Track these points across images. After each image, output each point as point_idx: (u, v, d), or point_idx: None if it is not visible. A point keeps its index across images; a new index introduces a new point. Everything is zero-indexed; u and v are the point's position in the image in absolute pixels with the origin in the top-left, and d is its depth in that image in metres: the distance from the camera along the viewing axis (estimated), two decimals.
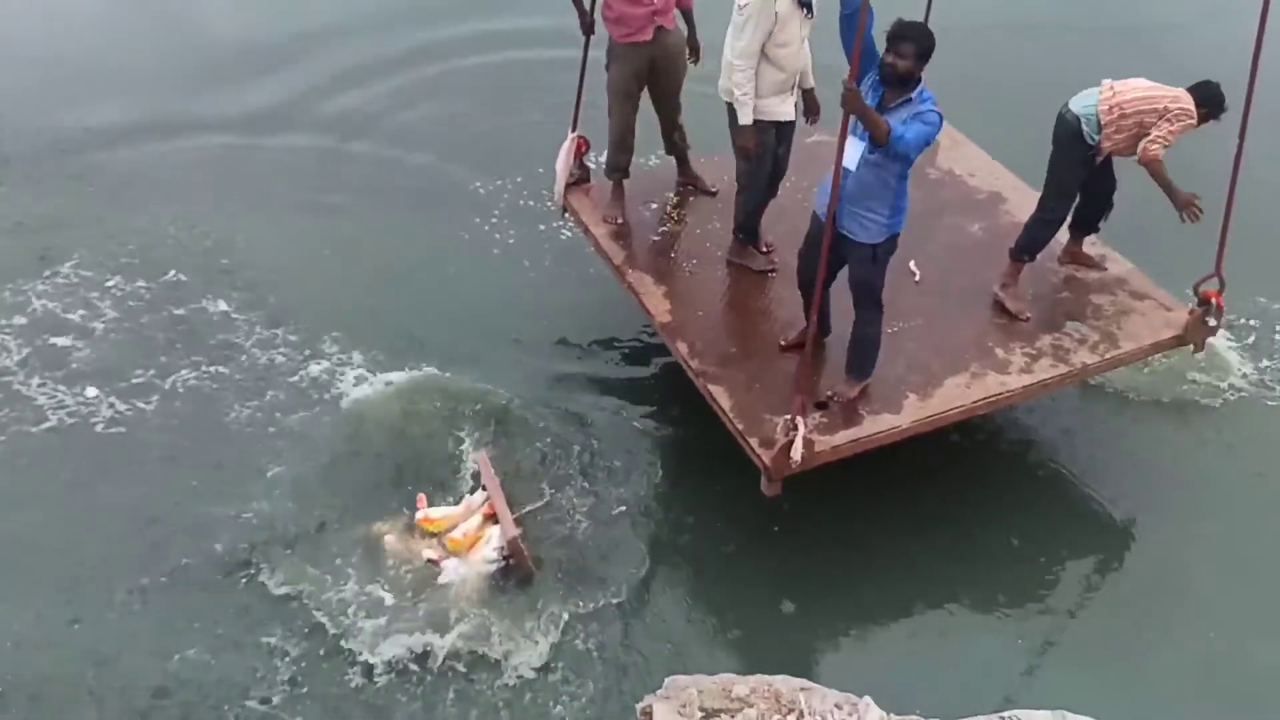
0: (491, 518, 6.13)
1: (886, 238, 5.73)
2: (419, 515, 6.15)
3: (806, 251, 6.01)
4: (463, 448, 6.58)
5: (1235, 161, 6.11)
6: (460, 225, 8.46)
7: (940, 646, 5.92)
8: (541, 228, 8.43)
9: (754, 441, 5.80)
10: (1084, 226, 6.86)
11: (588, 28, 6.90)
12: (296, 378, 7.11)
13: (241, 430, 6.79)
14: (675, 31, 6.85)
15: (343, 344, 7.33)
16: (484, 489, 6.26)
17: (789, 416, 5.56)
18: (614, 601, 5.94)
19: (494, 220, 8.53)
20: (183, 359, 7.22)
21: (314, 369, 7.16)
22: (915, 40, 5.36)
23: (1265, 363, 7.51)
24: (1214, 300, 6.39)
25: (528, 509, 6.27)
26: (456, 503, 6.26)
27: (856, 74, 5.15)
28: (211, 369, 7.16)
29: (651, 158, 8.04)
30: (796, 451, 5.55)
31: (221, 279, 7.83)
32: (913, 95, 5.44)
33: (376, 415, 6.82)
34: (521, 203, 8.68)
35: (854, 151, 5.48)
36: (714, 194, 7.34)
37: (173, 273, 7.83)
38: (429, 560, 5.99)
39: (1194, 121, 6.23)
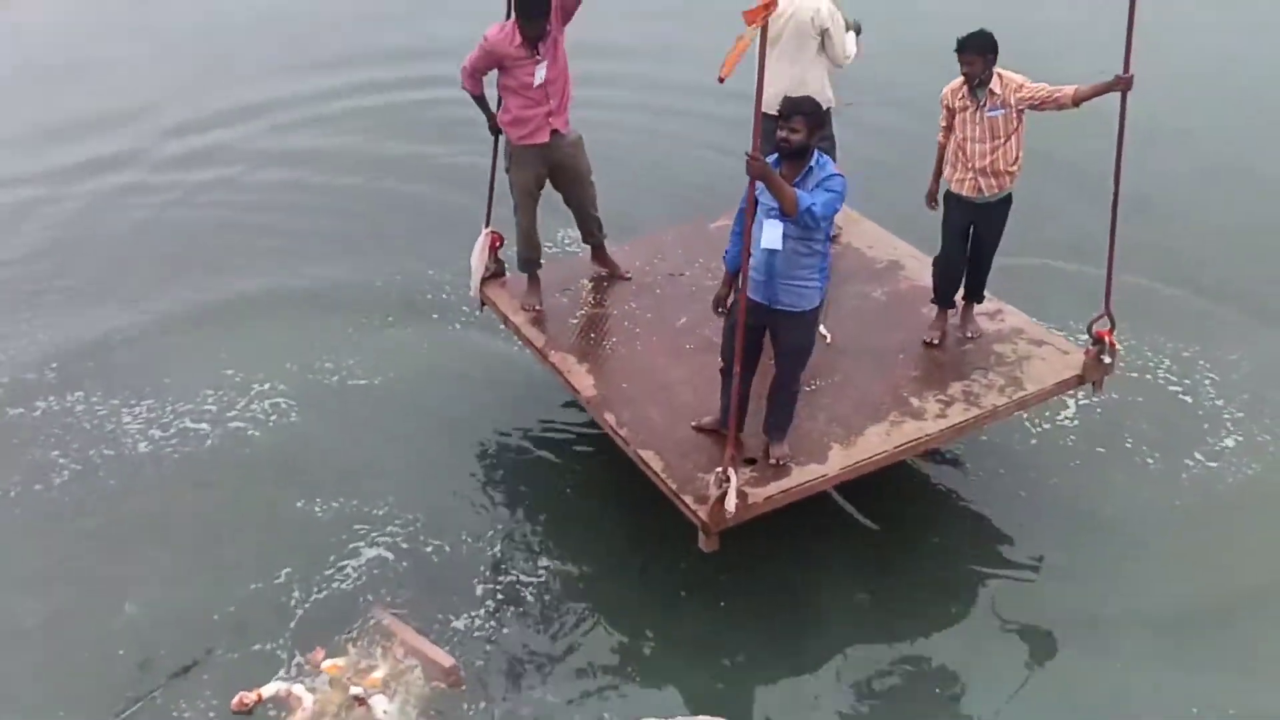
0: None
1: (820, 298, 5.98)
2: (325, 665, 6.00)
3: (746, 337, 5.89)
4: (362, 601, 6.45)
5: (1113, 208, 6.55)
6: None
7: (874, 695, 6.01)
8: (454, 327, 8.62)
9: (688, 499, 5.93)
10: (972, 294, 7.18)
11: (494, 128, 7.18)
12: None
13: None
14: (571, 132, 7.13)
15: None
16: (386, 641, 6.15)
17: (720, 470, 5.70)
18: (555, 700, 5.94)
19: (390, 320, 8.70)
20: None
21: None
22: (805, 114, 5.64)
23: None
24: (1107, 339, 6.75)
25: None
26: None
27: (759, 142, 5.44)
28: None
29: (568, 244, 8.32)
30: (730, 502, 5.69)
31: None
32: (812, 165, 5.72)
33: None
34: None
35: (774, 232, 5.68)
36: (628, 279, 7.58)
37: None
38: (355, 698, 5.81)
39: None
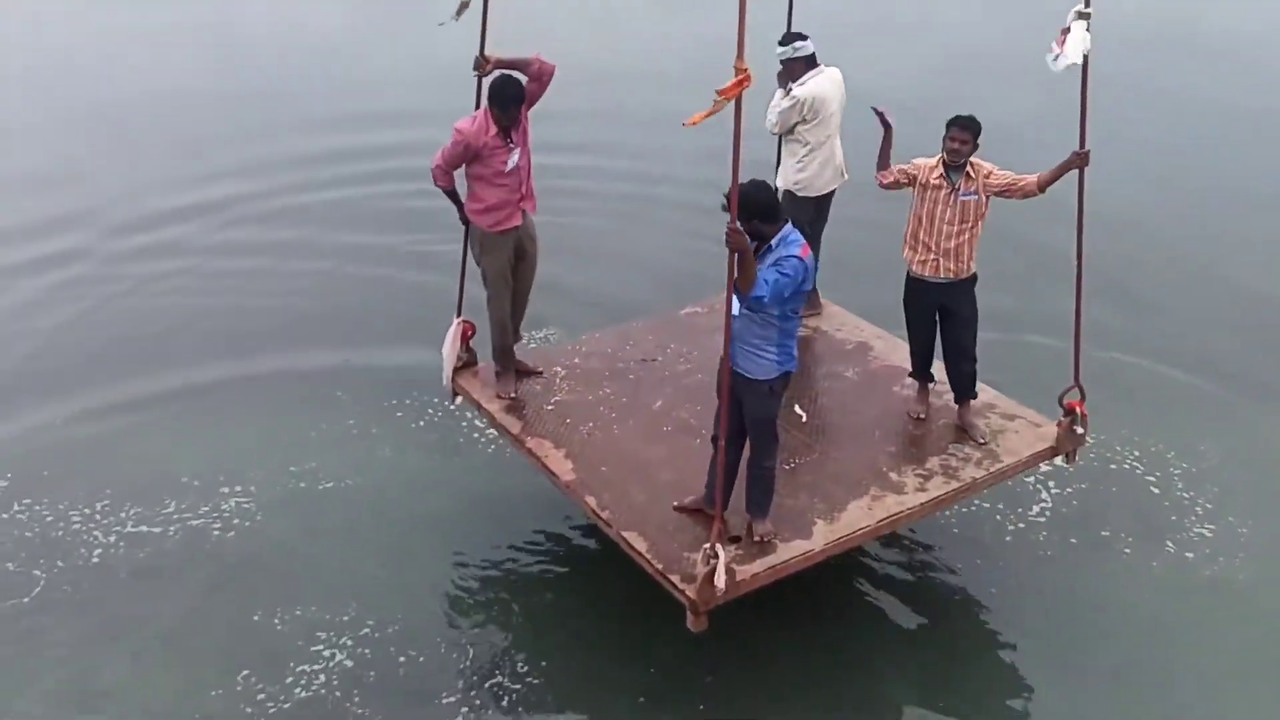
0: None
1: (779, 374, 5.99)
2: None
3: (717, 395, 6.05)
4: None
5: (1077, 281, 6.71)
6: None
7: None
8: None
9: (675, 578, 5.85)
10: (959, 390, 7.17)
11: (465, 219, 7.22)
12: None
13: None
14: (530, 216, 7.19)
15: None
16: None
17: (708, 546, 5.64)
18: None
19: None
20: None
21: None
22: (744, 205, 5.59)
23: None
24: (1078, 410, 6.85)
25: None
26: None
27: (737, 214, 5.51)
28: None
29: (541, 333, 8.32)
30: (720, 578, 5.61)
31: None
32: (773, 242, 5.79)
33: None
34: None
35: (735, 298, 5.79)
36: (539, 374, 7.48)
37: None
38: None
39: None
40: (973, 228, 6.71)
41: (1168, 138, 13.53)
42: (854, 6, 16.94)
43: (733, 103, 5.05)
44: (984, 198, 6.68)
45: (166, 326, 9.76)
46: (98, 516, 7.53)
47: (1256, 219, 11.74)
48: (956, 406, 7.06)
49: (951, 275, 6.79)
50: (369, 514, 7.61)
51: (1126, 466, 8.07)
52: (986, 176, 6.65)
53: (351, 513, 7.62)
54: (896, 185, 6.83)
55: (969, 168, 6.64)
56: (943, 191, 6.68)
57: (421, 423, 8.49)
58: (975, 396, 7.08)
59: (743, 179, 5.46)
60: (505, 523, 7.53)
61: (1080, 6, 6.24)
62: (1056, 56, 6.26)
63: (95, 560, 7.19)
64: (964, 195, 6.64)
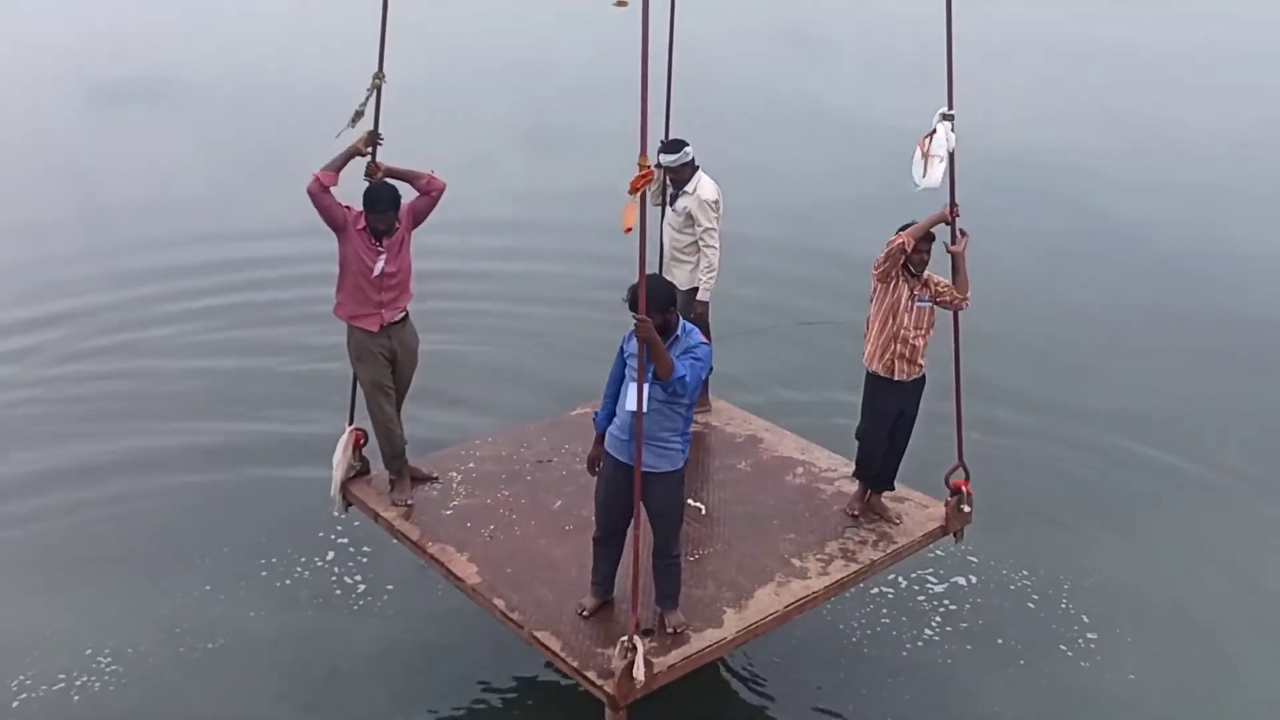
0: None
1: (684, 463, 6.10)
2: None
3: (608, 496, 6.12)
4: None
5: (955, 363, 7.02)
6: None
7: None
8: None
9: (592, 675, 5.79)
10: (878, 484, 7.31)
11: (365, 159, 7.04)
12: None
13: None
14: (409, 325, 7.17)
15: None
16: None
17: (625, 639, 5.61)
18: None
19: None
20: None
21: None
22: (659, 299, 5.72)
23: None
24: (964, 489, 7.11)
25: None
26: None
27: (647, 307, 5.61)
28: None
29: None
30: (639, 670, 5.57)
31: None
32: (679, 334, 5.96)
33: None
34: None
35: (637, 393, 5.83)
36: (435, 479, 7.40)
37: None
38: None
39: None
40: (926, 333, 6.87)
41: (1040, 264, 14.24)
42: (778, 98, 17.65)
43: (637, 196, 5.23)
44: (932, 307, 6.87)
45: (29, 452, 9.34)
46: None
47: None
48: (868, 492, 7.24)
49: (908, 376, 6.93)
50: (263, 672, 7.21)
51: (1014, 587, 8.25)
52: (936, 284, 6.86)
53: (244, 671, 7.21)
54: (899, 254, 6.72)
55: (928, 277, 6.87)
56: (905, 294, 6.82)
57: (318, 560, 8.21)
58: (893, 489, 7.28)
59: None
60: (421, 677, 7.25)
61: (944, 109, 6.67)
62: (925, 168, 6.57)
63: None
64: (919, 302, 6.84)
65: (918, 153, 6.63)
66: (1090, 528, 8.98)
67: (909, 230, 6.68)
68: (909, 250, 6.67)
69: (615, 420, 6.04)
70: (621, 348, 6.10)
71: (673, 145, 7.82)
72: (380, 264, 6.87)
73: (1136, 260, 14.36)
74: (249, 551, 8.27)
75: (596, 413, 6.26)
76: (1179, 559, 8.61)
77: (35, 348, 11.20)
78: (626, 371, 5.98)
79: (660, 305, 5.74)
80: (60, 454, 9.42)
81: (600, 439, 6.20)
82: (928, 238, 6.74)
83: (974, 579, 7.97)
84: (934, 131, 6.62)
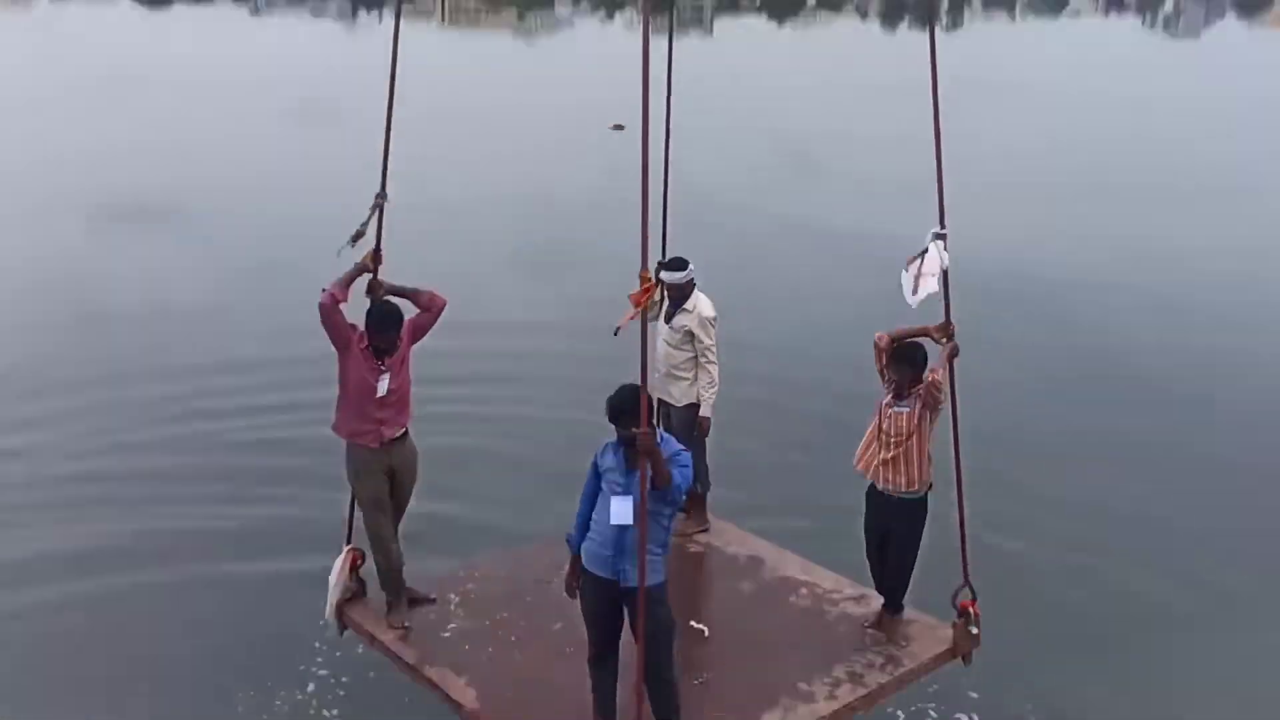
0: None
1: (665, 574, 5.96)
2: None
3: (594, 614, 6.06)
4: None
5: (958, 481, 6.97)
6: None
7: None
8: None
9: None
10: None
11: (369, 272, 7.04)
12: None
13: None
14: (410, 443, 7.13)
15: None
16: None
17: None
18: None
19: None
20: None
21: None
22: (633, 412, 5.67)
23: None
24: (971, 610, 7.00)
25: None
26: None
27: (648, 419, 5.61)
28: None
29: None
30: None
31: None
32: (658, 443, 5.88)
33: None
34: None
35: (623, 507, 5.76)
36: (433, 601, 7.30)
37: None
38: None
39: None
40: (907, 442, 6.70)
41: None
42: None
43: (639, 310, 5.28)
44: (915, 411, 6.70)
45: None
46: None
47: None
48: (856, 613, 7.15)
49: (889, 488, 6.84)
50: None
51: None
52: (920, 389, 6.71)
53: None
54: (875, 349, 6.79)
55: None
56: (885, 397, 6.84)
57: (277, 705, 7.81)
58: (900, 611, 7.13)
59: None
60: None
61: (936, 229, 6.74)
62: (915, 285, 6.60)
63: None
64: (896, 407, 6.80)
65: (908, 272, 6.67)
66: (1095, 659, 8.74)
67: (894, 330, 6.75)
68: (881, 347, 6.75)
69: (594, 537, 5.94)
70: (595, 463, 6.04)
71: (676, 263, 7.90)
72: (384, 383, 6.86)
73: (1146, 386, 14.22)
74: (223, 687, 7.93)
75: (570, 534, 6.18)
76: (1197, 696, 8.33)
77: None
78: (606, 486, 5.93)
79: (638, 415, 5.65)
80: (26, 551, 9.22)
81: (575, 559, 6.11)
82: (905, 361, 6.69)
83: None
84: (925, 250, 6.69)
